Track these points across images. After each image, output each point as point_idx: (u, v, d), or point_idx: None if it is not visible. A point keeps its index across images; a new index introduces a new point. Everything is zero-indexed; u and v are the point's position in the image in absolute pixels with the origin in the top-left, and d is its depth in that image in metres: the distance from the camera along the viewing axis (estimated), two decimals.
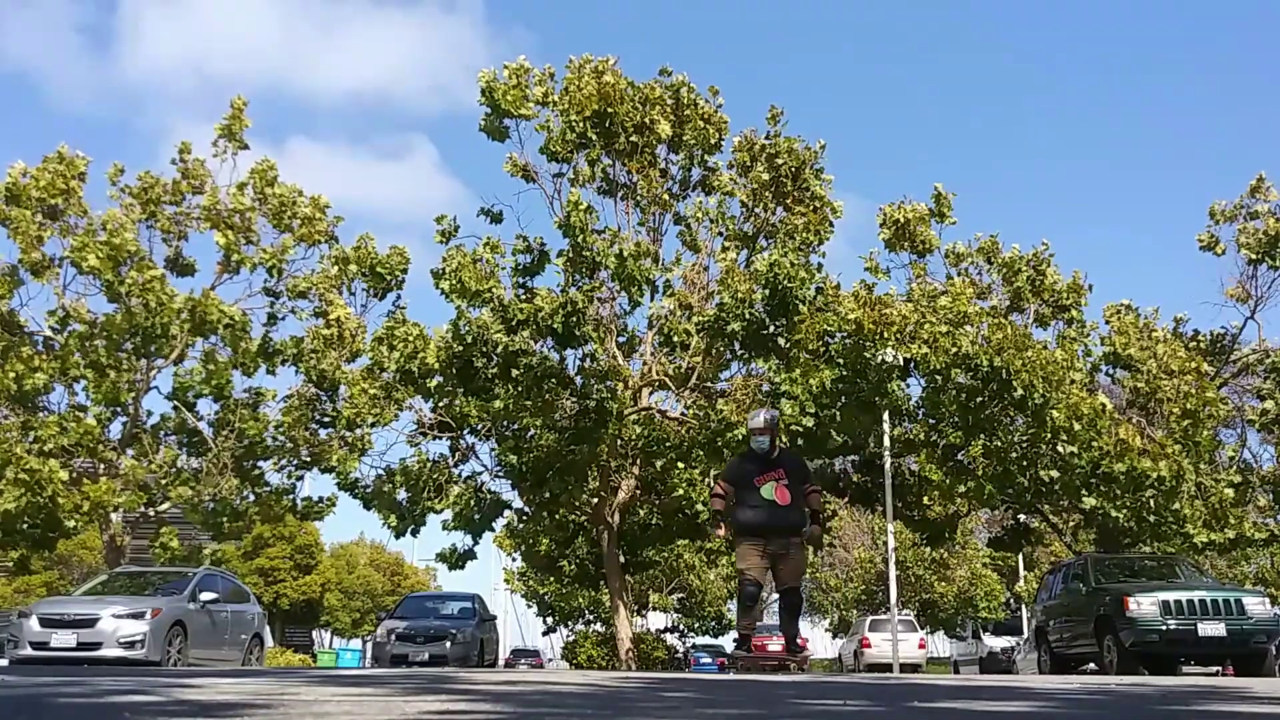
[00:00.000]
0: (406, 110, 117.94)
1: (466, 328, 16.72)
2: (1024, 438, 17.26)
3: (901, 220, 18.44)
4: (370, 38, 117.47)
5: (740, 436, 15.85)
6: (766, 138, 18.04)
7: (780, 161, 17.71)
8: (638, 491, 19.79)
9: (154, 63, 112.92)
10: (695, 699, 4.38)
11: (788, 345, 16.51)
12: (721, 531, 8.99)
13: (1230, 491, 18.58)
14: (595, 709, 3.69)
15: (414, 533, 18.56)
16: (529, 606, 46.99)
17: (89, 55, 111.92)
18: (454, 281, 16.48)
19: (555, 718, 3.39)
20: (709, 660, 34.92)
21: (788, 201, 17.85)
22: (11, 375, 17.69)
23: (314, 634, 50.17)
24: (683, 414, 18.07)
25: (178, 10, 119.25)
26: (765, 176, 17.71)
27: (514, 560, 39.83)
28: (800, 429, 15.86)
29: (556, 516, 19.64)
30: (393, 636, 17.98)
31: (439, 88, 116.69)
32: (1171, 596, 12.49)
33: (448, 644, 17.60)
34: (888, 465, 18.54)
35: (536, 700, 4.14)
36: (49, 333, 19.08)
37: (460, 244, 17.37)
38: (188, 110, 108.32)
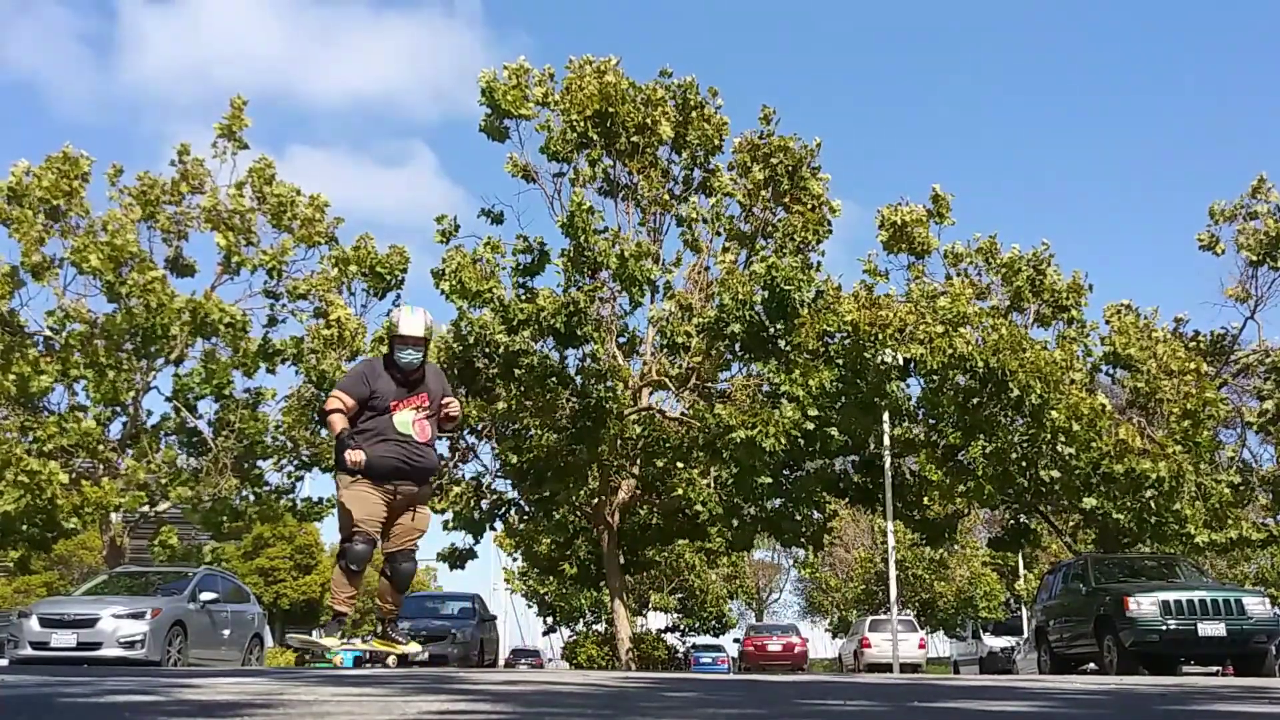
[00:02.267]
0: (406, 116, 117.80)
1: (467, 328, 16.74)
2: (1023, 438, 17.26)
3: (899, 222, 18.46)
4: (370, 44, 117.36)
5: (739, 440, 15.80)
6: (760, 137, 18.07)
7: (775, 160, 17.73)
8: (638, 491, 19.81)
9: (155, 71, 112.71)
10: (695, 699, 4.38)
11: (787, 347, 16.52)
12: (360, 457, 6.31)
13: (1230, 491, 18.59)
14: (595, 709, 3.69)
15: None
16: (529, 606, 46.92)
17: (91, 63, 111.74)
18: (454, 282, 16.51)
19: (555, 718, 3.39)
20: (709, 660, 34.95)
21: (785, 200, 17.88)
22: (13, 377, 17.67)
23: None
24: (683, 414, 18.09)
25: (179, 19, 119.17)
26: (761, 175, 17.73)
27: (514, 560, 39.82)
28: (800, 430, 15.86)
29: (557, 516, 19.67)
30: None
31: (438, 93, 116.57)
32: (1171, 596, 12.50)
33: (448, 644, 17.61)
34: (888, 465, 18.55)
35: (536, 700, 4.14)
36: (49, 333, 19.06)
37: (460, 244, 17.41)
38: (189, 118, 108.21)
